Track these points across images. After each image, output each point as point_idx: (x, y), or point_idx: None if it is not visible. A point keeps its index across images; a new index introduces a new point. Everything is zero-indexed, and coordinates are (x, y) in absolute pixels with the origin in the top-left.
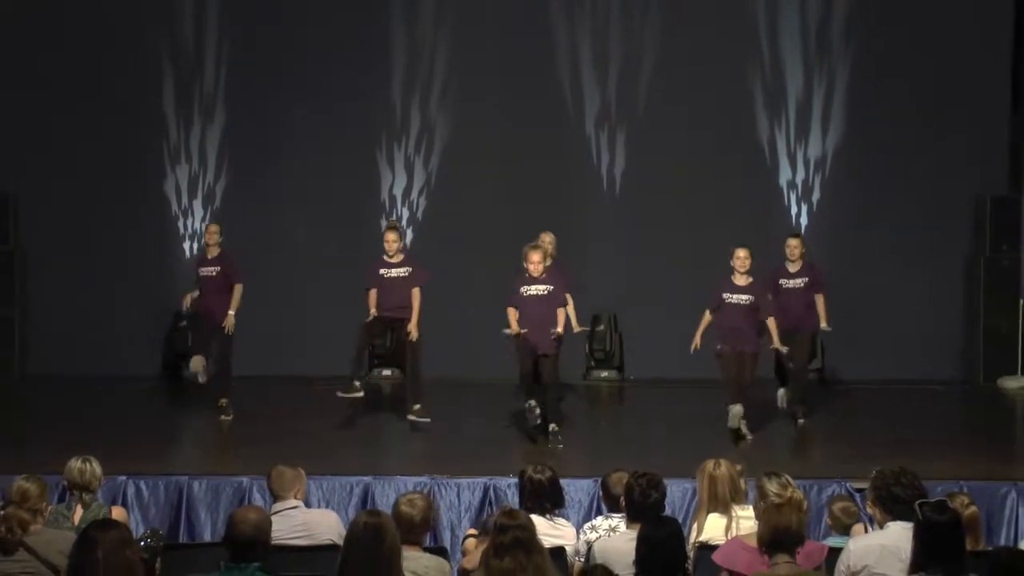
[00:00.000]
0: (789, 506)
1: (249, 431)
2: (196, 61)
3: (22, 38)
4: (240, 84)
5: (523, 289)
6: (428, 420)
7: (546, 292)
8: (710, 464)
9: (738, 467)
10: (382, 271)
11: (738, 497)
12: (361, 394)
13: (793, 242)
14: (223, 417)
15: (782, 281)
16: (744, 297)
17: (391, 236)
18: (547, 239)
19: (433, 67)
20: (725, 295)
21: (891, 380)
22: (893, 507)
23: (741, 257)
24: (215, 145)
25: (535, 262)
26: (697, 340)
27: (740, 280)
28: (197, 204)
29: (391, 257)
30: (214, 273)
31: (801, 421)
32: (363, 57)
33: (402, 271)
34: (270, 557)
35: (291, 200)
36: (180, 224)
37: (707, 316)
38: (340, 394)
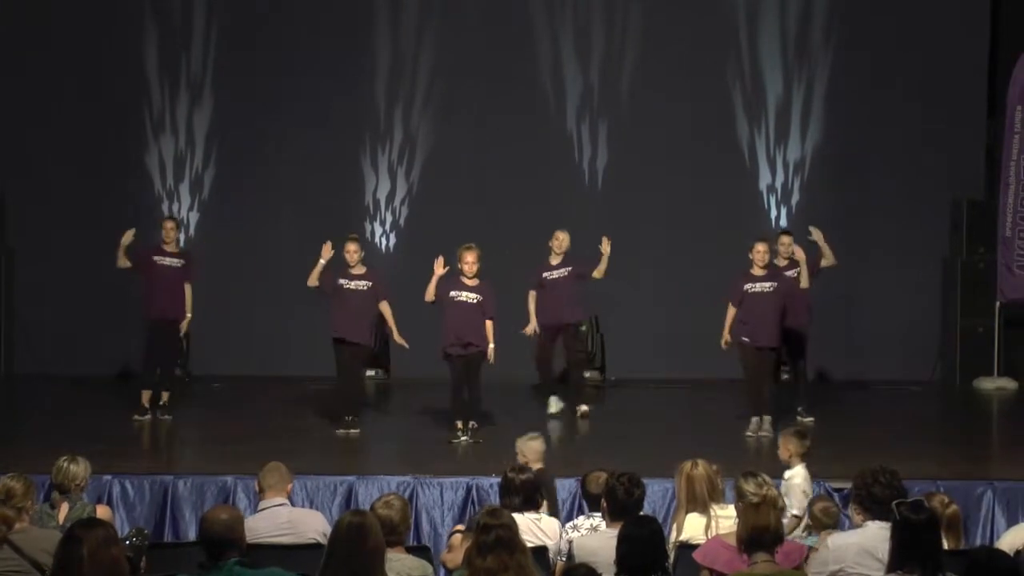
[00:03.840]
0: (766, 504)
1: (233, 431)
2: (188, 63)
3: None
4: (232, 81)
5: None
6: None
7: (476, 300)
8: (687, 464)
9: (715, 467)
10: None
11: (716, 496)
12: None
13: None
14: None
15: (748, 286)
16: (768, 284)
17: (352, 247)
18: (562, 236)
19: (416, 68)
20: (748, 286)
21: (869, 381)
22: (872, 506)
23: (760, 251)
24: (203, 131)
25: (469, 262)
26: (726, 335)
27: (759, 271)
28: (184, 189)
29: (353, 268)
30: (178, 264)
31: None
32: (348, 56)
33: (362, 284)
34: (246, 552)
35: (277, 197)
36: (165, 209)
37: (731, 311)
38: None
